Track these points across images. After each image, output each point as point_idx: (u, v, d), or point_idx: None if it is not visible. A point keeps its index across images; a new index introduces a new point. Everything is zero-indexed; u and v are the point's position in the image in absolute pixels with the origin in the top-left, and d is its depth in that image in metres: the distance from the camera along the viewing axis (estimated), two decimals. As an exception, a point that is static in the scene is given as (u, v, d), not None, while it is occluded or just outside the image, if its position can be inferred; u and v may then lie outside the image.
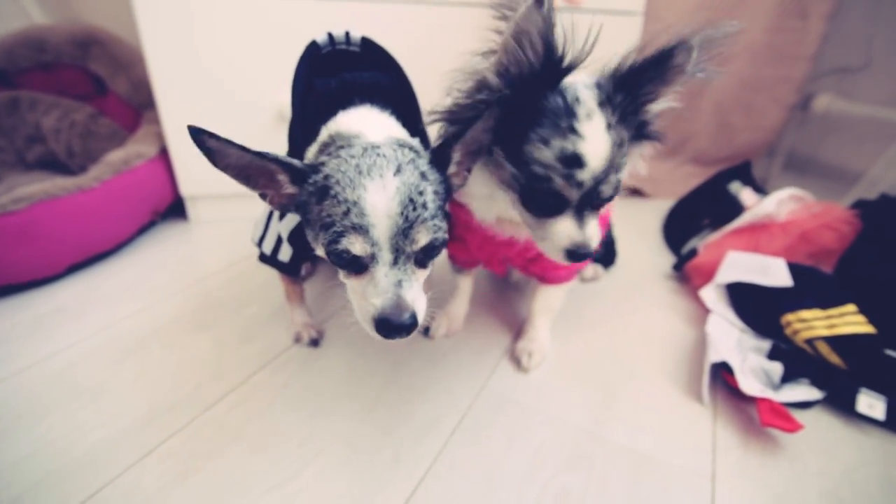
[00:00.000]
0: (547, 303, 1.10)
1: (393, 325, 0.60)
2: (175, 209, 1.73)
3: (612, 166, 0.68)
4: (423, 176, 0.64)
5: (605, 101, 0.68)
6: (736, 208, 1.50)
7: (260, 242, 1.01)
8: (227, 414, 0.93)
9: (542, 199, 0.71)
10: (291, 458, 0.85)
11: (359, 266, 0.63)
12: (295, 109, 0.84)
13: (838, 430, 0.96)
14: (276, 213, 0.95)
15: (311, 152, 0.79)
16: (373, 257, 0.61)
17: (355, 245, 0.59)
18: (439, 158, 0.70)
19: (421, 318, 0.64)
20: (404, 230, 0.60)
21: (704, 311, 1.25)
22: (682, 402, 1.00)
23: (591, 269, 1.40)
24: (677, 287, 1.41)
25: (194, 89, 1.49)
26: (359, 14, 1.47)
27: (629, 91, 0.69)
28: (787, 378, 1.00)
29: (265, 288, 1.31)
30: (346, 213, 0.59)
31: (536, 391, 1.01)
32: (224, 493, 0.79)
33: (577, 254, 0.73)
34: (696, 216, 1.63)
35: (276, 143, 1.35)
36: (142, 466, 0.83)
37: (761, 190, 1.70)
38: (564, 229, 0.72)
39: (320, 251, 0.68)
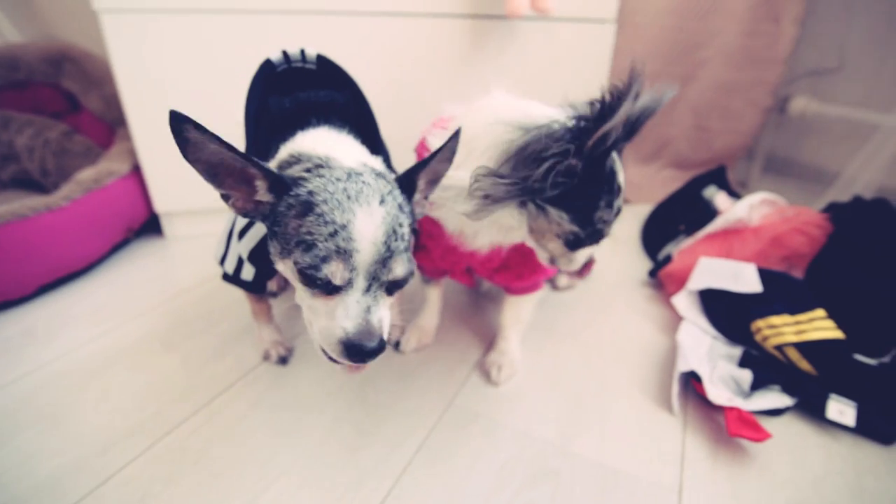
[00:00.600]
0: (516, 314, 1.10)
1: (363, 350, 0.60)
2: (151, 225, 1.72)
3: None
4: (400, 208, 0.64)
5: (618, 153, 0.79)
6: (711, 213, 1.51)
7: (222, 261, 0.99)
8: (189, 437, 0.91)
9: (587, 241, 0.81)
10: (253, 480, 0.83)
11: (330, 289, 0.61)
12: (248, 129, 0.83)
13: (809, 437, 0.95)
14: (236, 232, 0.94)
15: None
16: (349, 282, 0.60)
17: (336, 270, 0.59)
18: (407, 187, 0.71)
19: (385, 336, 0.63)
20: (384, 259, 0.60)
21: (678, 318, 1.24)
22: (653, 413, 0.99)
23: (564, 277, 1.39)
24: (653, 294, 1.41)
25: (164, 106, 1.47)
26: (327, 28, 1.47)
27: (632, 134, 0.74)
28: (758, 385, 0.99)
29: (237, 304, 1.29)
30: (333, 234, 0.58)
31: (505, 405, 1.00)
32: (181, 519, 0.77)
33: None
34: (672, 222, 1.63)
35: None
36: (99, 494, 0.81)
37: (736, 194, 1.71)
38: (589, 250, 0.86)
39: (284, 266, 0.66)
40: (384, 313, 0.64)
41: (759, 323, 1.07)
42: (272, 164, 0.76)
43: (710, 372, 1.01)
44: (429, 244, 0.99)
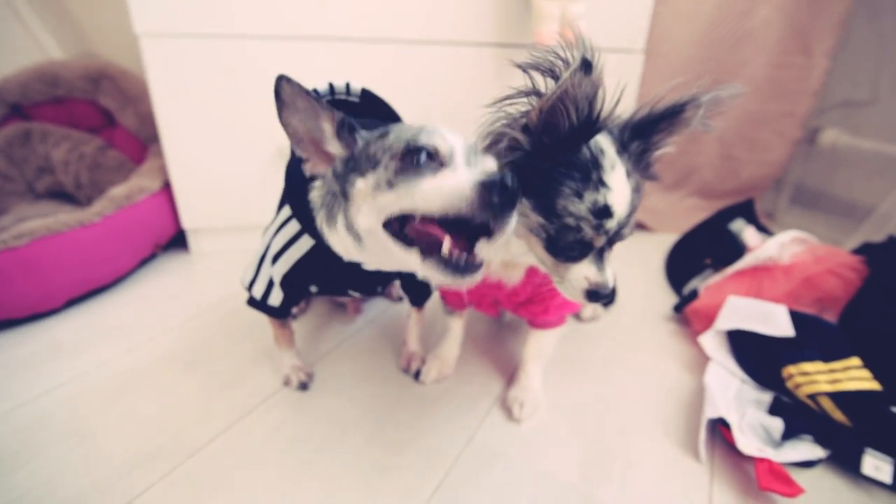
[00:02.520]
0: (539, 348, 1.08)
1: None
2: (177, 241, 1.75)
3: (633, 210, 0.73)
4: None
5: (622, 150, 0.72)
6: (738, 248, 1.48)
7: (250, 286, 1.00)
8: (209, 462, 0.91)
9: (571, 247, 0.73)
10: (271, 512, 0.83)
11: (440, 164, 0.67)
12: (293, 165, 0.84)
13: (842, 492, 0.92)
14: (269, 257, 0.94)
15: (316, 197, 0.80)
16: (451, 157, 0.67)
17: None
18: None
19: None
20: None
21: (704, 357, 1.21)
22: (678, 459, 0.96)
23: (590, 308, 1.38)
24: (677, 329, 1.38)
25: (197, 125, 1.52)
26: (355, 55, 1.49)
27: (642, 139, 0.73)
28: (789, 434, 0.96)
29: (258, 325, 1.30)
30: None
31: (526, 444, 0.98)
32: (199, 551, 0.77)
33: (597, 294, 0.74)
34: (698, 255, 1.60)
35: (275, 177, 1.36)
36: (120, 519, 0.81)
37: (765, 229, 1.68)
38: (584, 273, 0.74)
39: (385, 196, 0.67)
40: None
41: (791, 369, 1.04)
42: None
43: (739, 419, 0.98)
44: None
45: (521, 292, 0.96)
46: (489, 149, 0.74)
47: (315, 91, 0.88)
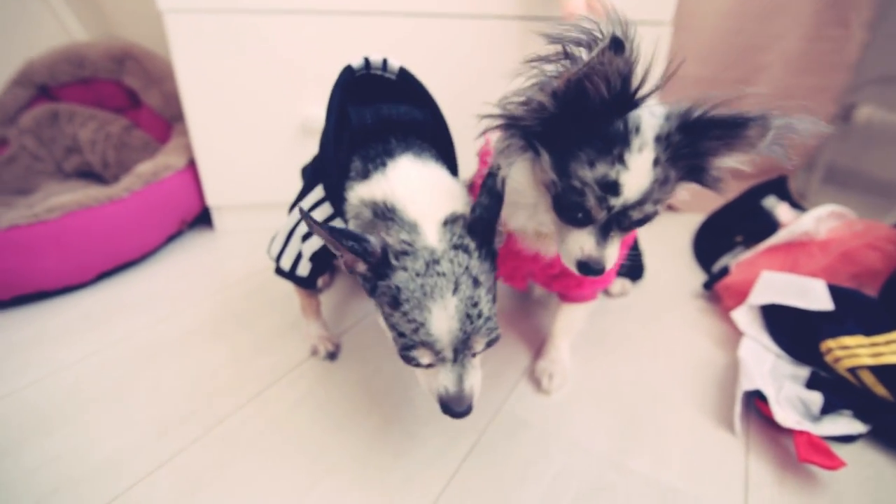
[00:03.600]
0: (569, 322, 1.07)
1: (453, 412, 0.73)
2: (202, 219, 1.76)
3: (649, 199, 0.67)
4: (475, 283, 0.69)
5: (663, 137, 0.65)
6: (771, 225, 1.43)
7: (278, 257, 1.00)
8: (239, 428, 0.92)
9: (572, 210, 0.71)
10: (302, 475, 0.83)
11: (425, 365, 0.72)
12: (327, 141, 0.83)
13: (884, 467, 0.89)
14: (299, 234, 0.94)
15: (354, 199, 0.81)
16: (439, 360, 0.71)
17: (424, 356, 0.70)
18: (484, 234, 0.73)
19: (477, 398, 0.74)
20: (464, 340, 0.69)
21: (736, 333, 1.18)
22: (712, 431, 0.94)
23: (618, 283, 1.35)
24: (707, 307, 1.35)
25: (221, 103, 1.52)
26: (381, 28, 1.47)
27: (690, 137, 0.65)
28: (828, 409, 0.93)
29: (284, 299, 1.31)
30: (416, 330, 0.68)
31: (555, 414, 0.97)
32: (233, 509, 0.78)
33: (588, 267, 0.72)
34: (729, 232, 1.56)
35: (299, 154, 1.36)
36: (154, 479, 0.82)
37: (798, 206, 1.63)
38: (582, 241, 0.72)
39: (381, 320, 0.76)
40: (474, 378, 0.74)
41: (830, 343, 1.01)
42: (358, 193, 0.80)
43: (776, 392, 0.95)
44: None
45: (557, 264, 0.94)
46: (516, 111, 0.71)
47: (348, 68, 0.85)
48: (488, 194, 0.72)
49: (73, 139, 1.87)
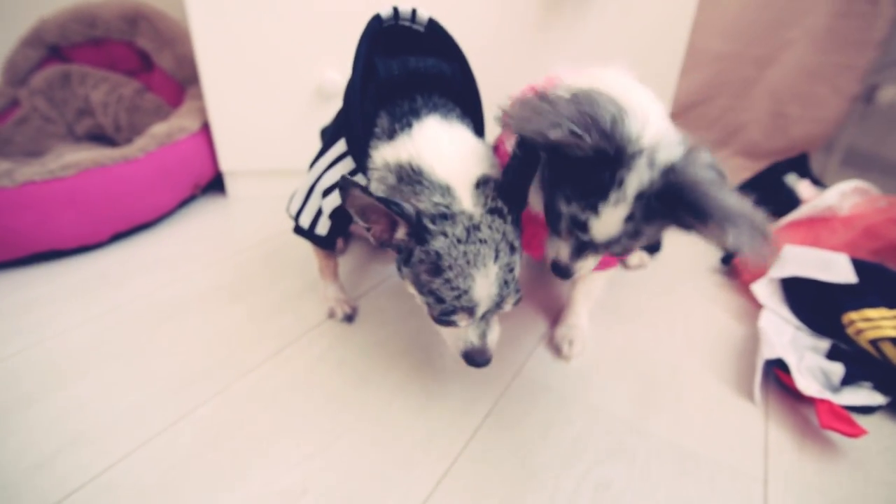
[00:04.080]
0: (588, 289, 1.06)
1: (476, 362, 0.77)
2: (215, 184, 1.75)
3: (617, 243, 0.72)
4: (511, 249, 0.71)
5: (644, 197, 0.66)
6: (792, 201, 1.41)
7: (298, 215, 0.99)
8: (259, 384, 0.93)
9: (552, 223, 0.77)
10: (321, 431, 0.84)
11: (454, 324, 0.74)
12: (353, 91, 0.81)
13: (904, 439, 0.89)
14: (319, 190, 0.93)
15: (379, 160, 0.80)
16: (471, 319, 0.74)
17: (462, 319, 0.72)
18: (516, 198, 0.74)
19: (494, 348, 0.78)
20: (498, 303, 0.72)
21: (753, 307, 1.18)
22: (730, 400, 0.94)
23: (636, 256, 1.34)
24: (724, 281, 1.34)
25: (237, 65, 1.49)
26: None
27: (668, 203, 0.65)
28: (848, 380, 0.93)
29: (299, 263, 1.30)
30: (458, 297, 0.69)
31: (574, 379, 0.97)
32: (253, 461, 0.78)
33: (558, 268, 0.79)
34: (748, 209, 1.53)
35: (314, 120, 1.34)
36: (175, 431, 0.83)
37: (819, 183, 1.60)
38: (559, 247, 0.78)
39: (412, 292, 0.77)
40: (496, 332, 0.79)
41: (853, 315, 1.00)
42: (383, 153, 0.79)
43: (797, 361, 0.95)
44: None
45: None
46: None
47: (376, 17, 0.83)
48: (524, 157, 0.70)
49: (84, 101, 1.85)
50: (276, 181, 1.69)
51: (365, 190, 0.64)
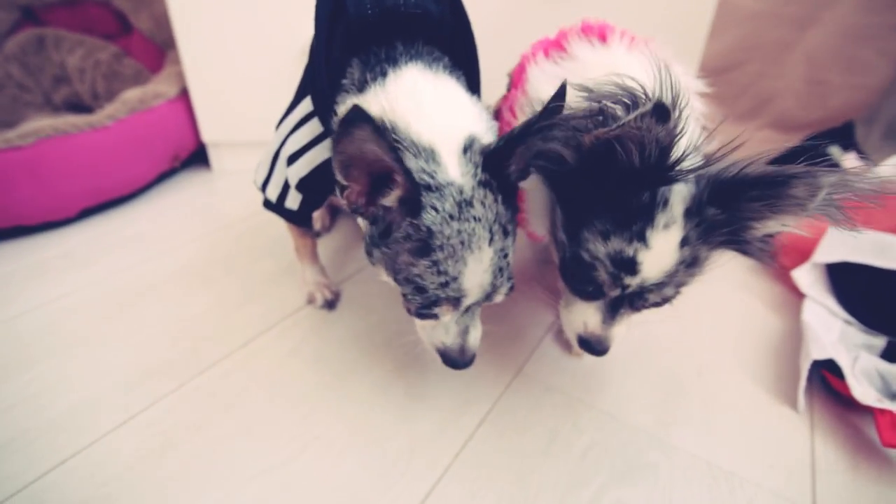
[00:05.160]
0: None
1: (456, 363, 0.65)
2: (198, 157, 1.62)
3: (671, 281, 0.59)
4: (505, 232, 0.60)
5: (694, 211, 0.56)
6: (838, 176, 1.25)
7: (264, 186, 0.86)
8: (221, 381, 0.81)
9: (580, 281, 0.63)
10: (287, 438, 0.72)
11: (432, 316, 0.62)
12: (319, 37, 0.67)
13: (979, 456, 0.74)
14: (284, 156, 0.79)
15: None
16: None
17: (445, 311, 0.61)
18: (502, 162, 0.58)
19: (476, 348, 0.66)
20: (488, 294, 0.61)
21: (793, 295, 1.03)
22: (769, 407, 0.80)
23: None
24: (756, 266, 1.18)
25: (215, 25, 1.35)
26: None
27: (726, 205, 0.56)
28: (911, 386, 0.78)
29: (282, 242, 1.17)
30: (445, 284, 0.57)
31: (584, 380, 0.83)
32: (203, 473, 0.67)
33: (589, 346, 0.66)
34: (784, 185, 1.37)
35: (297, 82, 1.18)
36: (119, 434, 0.72)
37: (866, 156, 1.43)
38: (587, 316, 0.65)
39: (386, 279, 0.64)
40: (477, 328, 0.66)
41: (916, 308, 0.85)
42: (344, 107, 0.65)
43: (851, 363, 0.81)
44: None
45: None
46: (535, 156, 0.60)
47: None
48: (539, 119, 0.53)
49: (60, 67, 1.72)
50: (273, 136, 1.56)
51: (379, 131, 0.50)
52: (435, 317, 0.61)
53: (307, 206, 0.84)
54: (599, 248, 0.58)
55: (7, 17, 1.73)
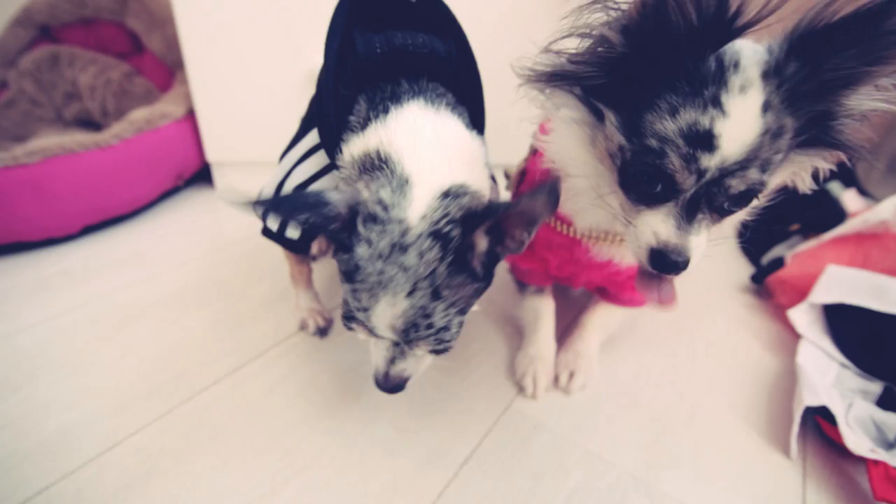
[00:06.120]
0: (606, 321, 0.93)
1: (379, 385, 0.67)
2: (202, 176, 1.65)
3: (755, 159, 0.50)
4: (434, 294, 0.57)
5: (773, 73, 0.49)
6: (837, 213, 1.24)
7: (265, 216, 0.87)
8: (209, 407, 0.81)
9: (646, 180, 0.54)
10: (272, 470, 0.71)
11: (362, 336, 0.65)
12: (327, 73, 0.68)
13: (977, 511, 0.72)
14: (289, 185, 0.80)
15: (347, 156, 0.67)
16: (375, 336, 0.63)
17: (360, 332, 0.63)
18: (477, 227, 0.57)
19: (414, 380, 0.68)
20: (406, 340, 0.61)
21: (790, 335, 1.02)
22: (761, 453, 0.79)
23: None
24: (755, 303, 1.18)
25: (225, 48, 1.38)
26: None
27: (810, 61, 0.48)
28: (907, 435, 0.77)
29: (280, 264, 1.17)
30: (360, 310, 0.60)
31: (573, 418, 0.82)
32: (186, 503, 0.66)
33: (664, 258, 0.55)
34: (782, 220, 1.36)
35: (306, 106, 1.21)
36: (104, 461, 0.72)
37: (868, 194, 1.42)
38: (657, 223, 0.55)
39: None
40: (411, 364, 0.66)
41: (913, 355, 0.84)
42: (353, 148, 0.66)
43: (844, 410, 0.79)
44: (548, 255, 0.82)
45: (627, 270, 0.78)
46: (568, 66, 0.56)
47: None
48: (530, 195, 0.52)
49: (73, 84, 1.76)
50: (268, 173, 1.58)
51: (261, 201, 0.55)
52: (352, 329, 0.64)
53: (307, 235, 0.84)
54: (668, 126, 0.50)
55: (25, 35, 1.78)
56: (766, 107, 0.49)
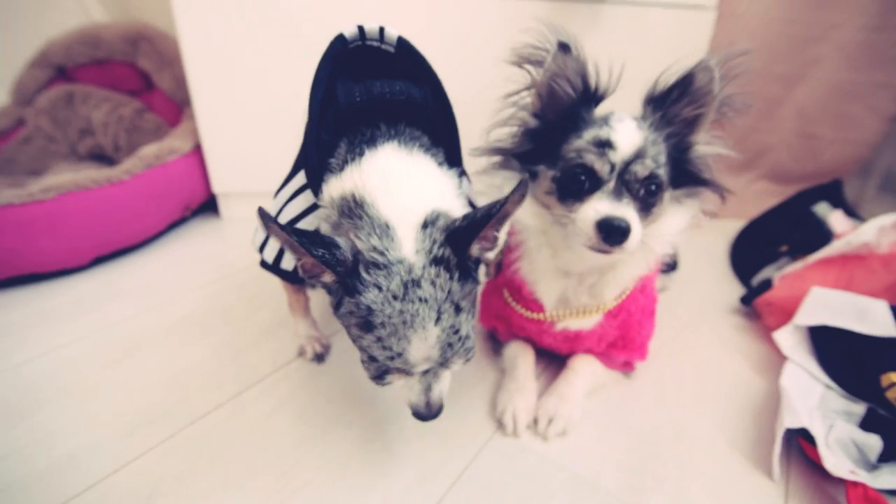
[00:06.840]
0: (594, 366, 0.95)
1: (423, 417, 0.69)
2: (209, 205, 1.71)
3: (646, 155, 0.71)
4: (457, 309, 0.62)
5: (640, 118, 0.76)
6: (823, 234, 1.27)
7: (261, 248, 0.92)
8: (210, 432, 0.84)
9: (575, 180, 0.73)
10: (269, 491, 0.74)
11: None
12: (312, 120, 0.73)
13: (958, 531, 0.74)
14: (282, 219, 0.85)
15: (326, 197, 0.71)
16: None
17: (396, 379, 0.65)
18: (465, 239, 0.61)
19: (445, 398, 0.70)
20: (441, 363, 0.64)
21: (777, 356, 1.04)
22: (744, 474, 0.80)
23: (658, 282, 1.21)
24: (744, 324, 1.20)
25: (230, 86, 1.45)
26: (392, 7, 1.38)
27: (658, 108, 0.75)
28: (888, 456, 0.78)
29: (281, 292, 1.22)
30: (391, 358, 0.61)
31: (560, 441, 0.85)
32: (186, 528, 0.69)
33: (609, 223, 0.68)
34: (772, 241, 1.40)
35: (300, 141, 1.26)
36: (109, 484, 0.75)
37: (855, 214, 1.45)
38: (595, 205, 0.71)
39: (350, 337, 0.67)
40: (443, 383, 0.69)
41: (893, 376, 0.85)
42: (332, 189, 0.70)
43: (825, 432, 0.81)
44: (523, 333, 0.99)
45: (608, 335, 0.91)
46: (505, 144, 0.83)
47: (339, 37, 0.75)
48: (499, 203, 0.59)
49: (86, 121, 1.84)
50: (270, 203, 1.64)
51: (281, 226, 0.55)
52: (388, 383, 0.64)
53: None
54: (580, 142, 0.72)
55: (42, 75, 1.88)
56: (639, 126, 0.73)
